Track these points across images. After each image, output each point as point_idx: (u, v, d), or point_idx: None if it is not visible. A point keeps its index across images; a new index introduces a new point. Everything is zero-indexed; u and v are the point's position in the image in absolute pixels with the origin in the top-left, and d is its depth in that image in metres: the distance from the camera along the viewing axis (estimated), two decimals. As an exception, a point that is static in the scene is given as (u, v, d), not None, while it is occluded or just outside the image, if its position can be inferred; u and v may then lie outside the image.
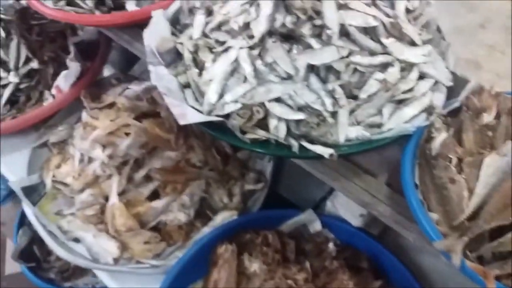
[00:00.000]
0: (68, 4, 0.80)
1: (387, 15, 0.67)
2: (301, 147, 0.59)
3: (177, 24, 0.77)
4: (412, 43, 0.67)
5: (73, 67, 0.88)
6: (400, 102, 0.62)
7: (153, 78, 0.65)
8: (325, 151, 0.55)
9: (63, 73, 0.88)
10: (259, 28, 0.62)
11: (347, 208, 0.70)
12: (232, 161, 0.81)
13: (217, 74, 0.64)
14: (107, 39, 1.02)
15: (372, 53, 0.64)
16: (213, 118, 0.59)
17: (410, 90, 0.63)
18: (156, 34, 0.72)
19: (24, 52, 0.89)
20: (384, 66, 0.63)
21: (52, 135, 0.87)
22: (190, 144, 0.76)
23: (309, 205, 0.81)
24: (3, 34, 0.88)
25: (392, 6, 0.71)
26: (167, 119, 0.75)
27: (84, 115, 0.85)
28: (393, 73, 0.62)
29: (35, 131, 0.90)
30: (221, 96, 0.63)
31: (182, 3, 0.77)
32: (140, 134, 0.71)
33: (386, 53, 0.64)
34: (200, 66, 0.69)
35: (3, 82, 0.88)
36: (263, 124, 0.62)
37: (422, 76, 0.64)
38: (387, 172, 0.66)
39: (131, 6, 0.78)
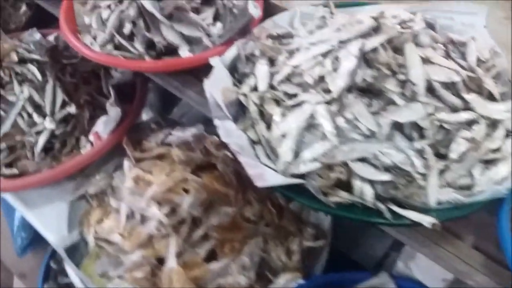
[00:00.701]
0: (116, 48, 0.76)
1: (462, 67, 0.66)
2: (390, 211, 0.55)
3: (235, 72, 0.74)
4: (490, 97, 0.65)
5: (113, 112, 0.85)
6: (488, 162, 0.60)
7: (222, 134, 0.63)
8: (424, 219, 0.52)
9: (103, 118, 0.85)
10: (338, 83, 0.60)
11: (426, 270, 0.67)
12: (286, 213, 0.77)
13: (290, 130, 0.62)
14: (144, 80, 0.99)
15: (454, 109, 0.61)
16: (295, 181, 0.57)
17: (498, 149, 0.60)
18: (218, 84, 0.69)
19: (60, 96, 0.86)
20: (468, 123, 0.60)
21: (90, 186, 0.83)
22: (248, 198, 0.72)
23: (371, 261, 0.78)
24: (39, 77, 0.83)
25: (463, 56, 0.69)
26: (225, 172, 0.72)
27: (127, 165, 0.82)
28: (479, 131, 0.61)
29: (70, 180, 0.86)
30: (295, 153, 0.60)
31: (239, 49, 0.75)
32: (200, 190, 0.68)
33: (468, 108, 0.62)
34: (266, 119, 0.66)
35: (38, 128, 0.84)
36: (342, 184, 0.59)
37: (507, 134, 0.62)
38: (472, 234, 0.63)
39: (184, 52, 0.75)
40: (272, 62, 0.71)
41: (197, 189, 0.70)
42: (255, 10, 0.78)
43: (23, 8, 1.26)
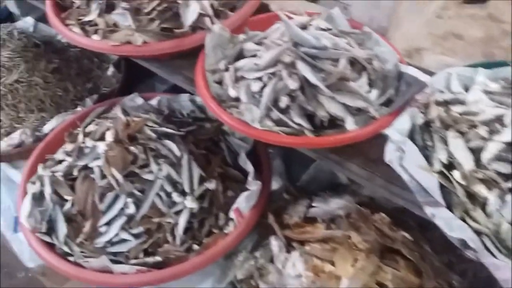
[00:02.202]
0: (276, 123, 0.67)
1: None
2: None
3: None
4: None
5: (254, 186, 0.76)
6: None
7: (442, 226, 0.55)
8: None
9: (245, 194, 0.77)
10: None
11: None
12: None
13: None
14: (264, 146, 0.90)
15: None
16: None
17: None
18: (409, 161, 0.60)
19: (196, 171, 0.78)
20: None
21: (237, 270, 0.72)
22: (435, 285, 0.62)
23: None
24: (178, 153, 0.74)
25: None
26: (416, 260, 0.62)
27: (276, 245, 0.72)
28: None
29: (210, 262, 0.75)
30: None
31: (413, 118, 0.66)
32: (399, 284, 0.58)
33: None
34: (479, 203, 0.56)
35: (177, 208, 0.74)
36: None
37: None
38: None
39: (351, 125, 0.67)
40: (462, 134, 0.63)
41: (396, 283, 0.60)
42: (425, 77, 0.70)
43: (111, 69, 1.18)
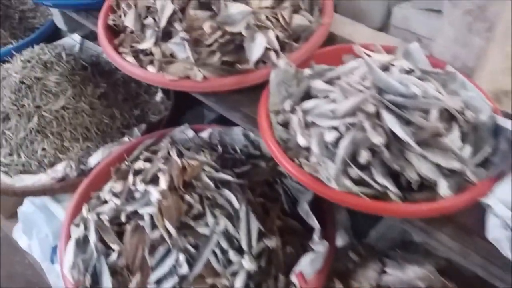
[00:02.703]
0: (354, 182, 0.59)
1: None
2: None
3: None
4: None
5: (321, 247, 0.67)
6: None
7: None
8: None
9: (310, 257, 0.69)
10: None
11: None
12: None
13: None
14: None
15: None
16: None
17: None
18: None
19: (255, 224, 0.70)
20: None
21: None
22: None
23: None
24: (237, 205, 0.66)
25: None
26: None
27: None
28: None
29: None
30: None
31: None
32: None
33: None
34: None
35: (234, 268, 0.65)
36: None
37: None
38: None
39: (445, 190, 0.57)
40: None
41: None
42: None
43: (159, 94, 1.12)
